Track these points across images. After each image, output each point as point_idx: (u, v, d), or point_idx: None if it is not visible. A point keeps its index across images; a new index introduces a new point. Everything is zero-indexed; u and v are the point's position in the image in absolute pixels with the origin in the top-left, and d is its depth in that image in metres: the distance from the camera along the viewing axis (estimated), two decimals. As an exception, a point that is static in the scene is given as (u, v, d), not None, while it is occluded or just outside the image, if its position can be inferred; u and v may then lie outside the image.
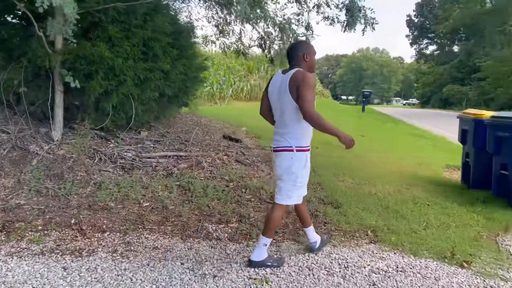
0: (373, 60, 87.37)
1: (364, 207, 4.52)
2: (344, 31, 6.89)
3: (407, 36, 59.08)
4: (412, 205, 4.70)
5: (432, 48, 57.29)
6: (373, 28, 6.92)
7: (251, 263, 3.05)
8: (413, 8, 57.64)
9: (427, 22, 54.36)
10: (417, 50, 59.11)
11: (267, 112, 3.16)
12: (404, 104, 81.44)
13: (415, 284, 2.94)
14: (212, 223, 3.87)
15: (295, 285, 2.85)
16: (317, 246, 3.39)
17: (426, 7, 54.55)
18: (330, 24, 7.24)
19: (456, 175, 6.66)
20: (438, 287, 2.91)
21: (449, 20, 45.24)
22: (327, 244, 3.48)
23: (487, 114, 5.33)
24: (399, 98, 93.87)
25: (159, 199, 4.23)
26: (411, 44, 58.41)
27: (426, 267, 3.21)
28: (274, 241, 3.58)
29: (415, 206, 4.67)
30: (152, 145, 5.67)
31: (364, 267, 3.17)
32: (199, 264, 3.10)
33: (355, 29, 6.87)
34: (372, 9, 6.94)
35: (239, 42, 8.39)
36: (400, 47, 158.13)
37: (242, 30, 8.12)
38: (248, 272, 3.00)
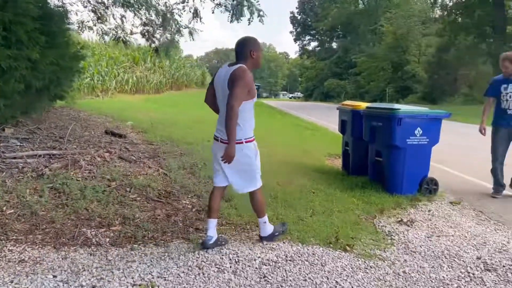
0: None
1: (254, 199, 4.52)
2: (231, 21, 6.84)
3: (291, 32, 62.09)
4: (299, 194, 4.84)
5: (314, 44, 61.06)
6: (261, 20, 6.99)
7: (262, 239, 3.43)
8: (296, 5, 60.72)
9: (309, 20, 57.67)
10: (301, 46, 62.51)
11: (211, 101, 3.33)
12: (290, 98, 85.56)
13: (303, 272, 2.98)
14: (91, 228, 3.51)
15: (184, 287, 2.69)
16: (211, 242, 3.28)
17: (307, 5, 57.82)
18: (223, 10, 7.12)
19: (337, 163, 7.08)
20: (324, 272, 2.99)
21: (328, 18, 48.55)
22: (219, 246, 3.36)
23: (363, 105, 5.73)
24: (285, 92, 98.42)
25: (27, 204, 3.71)
26: (295, 40, 61.62)
27: (313, 254, 3.29)
28: (162, 241, 3.38)
29: (301, 195, 4.82)
30: (18, 144, 4.99)
31: (255, 260, 3.14)
32: (75, 275, 2.77)
33: (241, 19, 6.87)
34: (258, 1, 6.99)
35: (119, 29, 7.82)
36: (285, 42, 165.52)
37: (123, 16, 7.59)
38: (132, 278, 2.76)
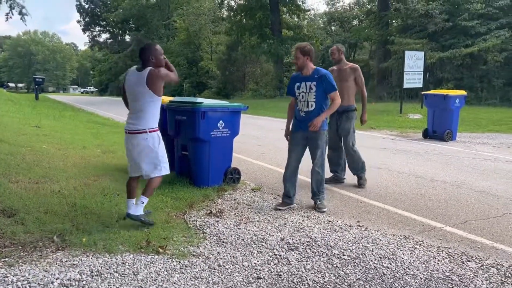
0: (44, 45, 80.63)
1: (47, 209, 3.87)
2: None
3: (78, 21, 57.23)
4: (101, 198, 4.37)
5: (105, 36, 57.64)
6: (23, 18, 6.06)
7: (128, 216, 3.65)
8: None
9: (98, 10, 54.14)
10: (90, 37, 58.22)
11: (125, 101, 3.88)
12: (82, 92, 79.61)
13: (114, 286, 2.66)
14: None
15: None
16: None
17: (96, -6, 54.18)
18: None
19: (141, 160, 6.74)
20: (138, 282, 2.73)
21: (118, 9, 46.56)
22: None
23: (166, 99, 5.55)
24: (76, 86, 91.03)
25: None
26: (84, 30, 56.95)
27: (123, 263, 2.97)
28: None
29: (105, 198, 4.36)
30: None
31: (52, 283, 2.64)
32: None
33: None
34: None
35: None
36: (72, 33, 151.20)
37: None
38: None
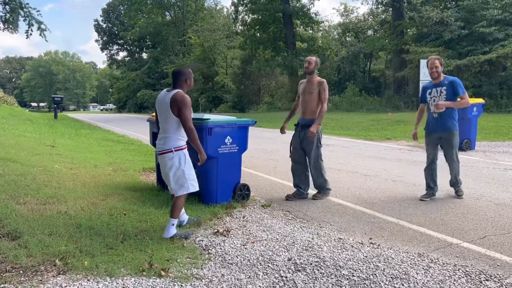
0: (64, 64, 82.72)
1: (52, 231, 3.82)
2: (4, 29, 5.79)
3: (97, 41, 58.71)
4: (108, 218, 4.31)
5: (123, 54, 58.88)
6: (42, 33, 6.15)
7: (166, 238, 3.81)
8: (100, 13, 57.49)
9: (115, 29, 55.39)
10: (109, 55, 59.57)
11: (156, 120, 4.15)
12: (101, 110, 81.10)
13: (112, 312, 2.56)
14: None
15: None
16: (185, 223, 4.21)
17: (113, 14, 55.52)
18: None
19: (152, 177, 6.72)
20: (138, 307, 2.63)
21: (135, 28, 47.49)
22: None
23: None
24: (96, 104, 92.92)
25: None
26: (102, 49, 58.40)
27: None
28: None
29: (111, 219, 4.30)
30: None
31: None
32: None
33: (17, 30, 5.92)
34: (39, 11, 6.12)
35: None
36: (91, 52, 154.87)
37: None
38: None
